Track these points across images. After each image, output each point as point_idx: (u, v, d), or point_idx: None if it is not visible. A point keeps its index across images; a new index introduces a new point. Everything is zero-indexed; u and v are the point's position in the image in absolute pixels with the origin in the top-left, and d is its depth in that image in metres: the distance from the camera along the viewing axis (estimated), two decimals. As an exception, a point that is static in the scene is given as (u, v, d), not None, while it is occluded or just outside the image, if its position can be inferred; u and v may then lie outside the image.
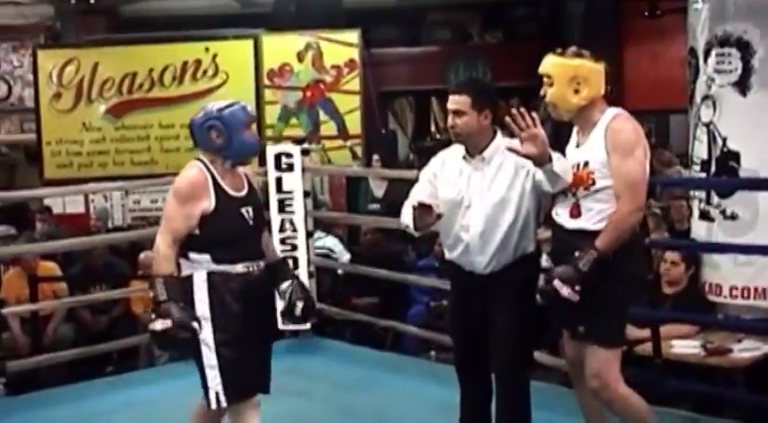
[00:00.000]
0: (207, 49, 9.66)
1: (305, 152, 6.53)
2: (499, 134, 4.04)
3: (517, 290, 4.00)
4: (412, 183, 4.33)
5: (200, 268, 3.80)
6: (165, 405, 5.61)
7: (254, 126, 4.00)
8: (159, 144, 9.61)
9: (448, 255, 4.18)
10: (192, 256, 3.79)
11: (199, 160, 3.87)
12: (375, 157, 9.47)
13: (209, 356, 3.77)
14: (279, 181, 6.44)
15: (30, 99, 12.22)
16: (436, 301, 7.06)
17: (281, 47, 9.71)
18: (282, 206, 6.39)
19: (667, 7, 9.81)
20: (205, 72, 9.61)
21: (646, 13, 10.34)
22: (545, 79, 3.84)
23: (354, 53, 9.64)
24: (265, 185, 7.02)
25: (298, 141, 6.91)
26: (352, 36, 9.68)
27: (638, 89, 10.20)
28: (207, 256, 3.78)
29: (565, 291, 3.65)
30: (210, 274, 3.79)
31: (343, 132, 9.69)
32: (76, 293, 7.51)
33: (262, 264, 3.92)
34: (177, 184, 3.81)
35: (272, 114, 9.62)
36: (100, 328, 7.58)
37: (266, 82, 9.58)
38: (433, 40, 12.33)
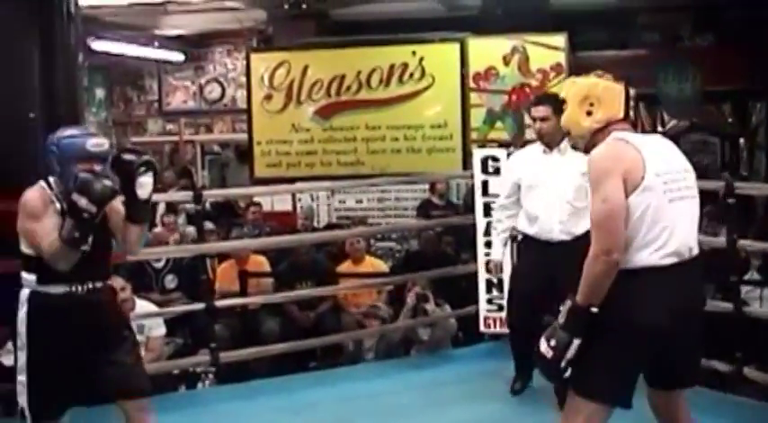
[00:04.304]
0: (414, 53, 9.75)
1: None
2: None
3: None
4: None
5: (26, 287, 3.88)
6: (371, 401, 5.71)
7: (96, 165, 3.81)
8: (365, 145, 9.76)
9: None
10: (23, 274, 3.89)
11: (45, 181, 3.89)
12: (584, 160, 9.33)
13: (22, 372, 3.86)
14: (485, 184, 6.45)
15: (241, 100, 12.69)
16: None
17: (487, 50, 9.70)
18: (488, 210, 6.39)
19: None
20: (412, 75, 9.71)
21: None
22: (564, 107, 3.60)
23: (561, 57, 9.52)
24: (471, 188, 7.05)
25: (504, 145, 6.90)
26: (559, 40, 9.57)
27: None
28: (33, 277, 3.86)
29: (542, 346, 3.36)
30: (32, 294, 3.86)
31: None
32: (283, 289, 7.72)
33: (95, 285, 3.91)
34: (21, 201, 3.86)
35: (476, 118, 9.62)
36: (306, 324, 7.76)
37: (472, 85, 9.59)
38: (641, 44, 12.07)
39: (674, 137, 12.82)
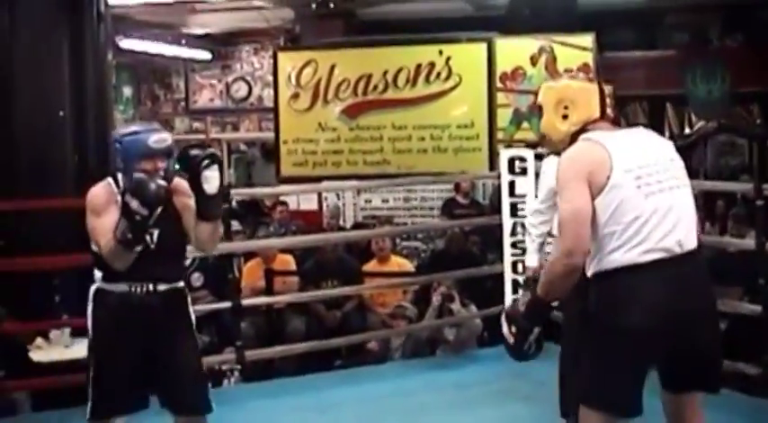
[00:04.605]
0: (441, 52, 9.76)
1: (538, 156, 6.49)
2: None
3: None
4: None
5: (95, 283, 3.82)
6: (397, 401, 5.71)
7: (159, 162, 3.71)
8: (392, 145, 9.78)
9: None
10: (95, 271, 3.83)
11: (113, 177, 3.82)
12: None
13: (89, 369, 3.82)
14: (512, 184, 6.45)
15: (268, 99, 12.77)
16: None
17: (515, 50, 9.70)
18: (515, 210, 6.40)
19: None
20: (438, 75, 9.72)
21: None
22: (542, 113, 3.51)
23: (588, 57, 9.51)
24: (497, 189, 7.05)
25: (531, 145, 6.89)
26: (587, 40, 9.56)
27: None
28: (100, 274, 3.80)
29: (504, 329, 3.35)
30: (97, 291, 3.81)
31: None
32: (309, 288, 7.74)
33: (157, 287, 3.78)
34: (87, 197, 3.82)
35: (503, 118, 9.63)
36: (332, 322, 7.76)
37: (499, 85, 9.59)
38: (669, 44, 12.03)
39: (702, 138, 12.82)
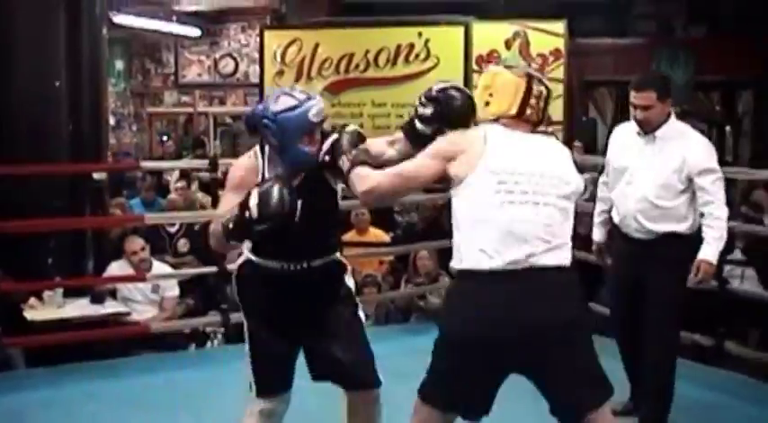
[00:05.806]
0: (420, 34, 10.00)
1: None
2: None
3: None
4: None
5: (243, 255, 3.59)
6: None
7: (317, 135, 3.41)
8: (371, 121, 10.01)
9: None
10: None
11: (260, 147, 3.52)
12: (577, 143, 9.63)
13: (245, 342, 3.61)
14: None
15: (254, 75, 13.02)
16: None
17: (491, 34, 9.96)
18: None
19: None
20: (417, 55, 9.96)
21: None
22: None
23: (560, 43, 9.78)
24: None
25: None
26: (559, 26, 9.82)
27: None
28: (248, 245, 3.53)
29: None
30: (245, 263, 3.58)
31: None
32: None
33: (307, 264, 3.47)
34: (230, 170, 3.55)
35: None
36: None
37: (475, 67, 9.86)
38: (637, 32, 12.35)
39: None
